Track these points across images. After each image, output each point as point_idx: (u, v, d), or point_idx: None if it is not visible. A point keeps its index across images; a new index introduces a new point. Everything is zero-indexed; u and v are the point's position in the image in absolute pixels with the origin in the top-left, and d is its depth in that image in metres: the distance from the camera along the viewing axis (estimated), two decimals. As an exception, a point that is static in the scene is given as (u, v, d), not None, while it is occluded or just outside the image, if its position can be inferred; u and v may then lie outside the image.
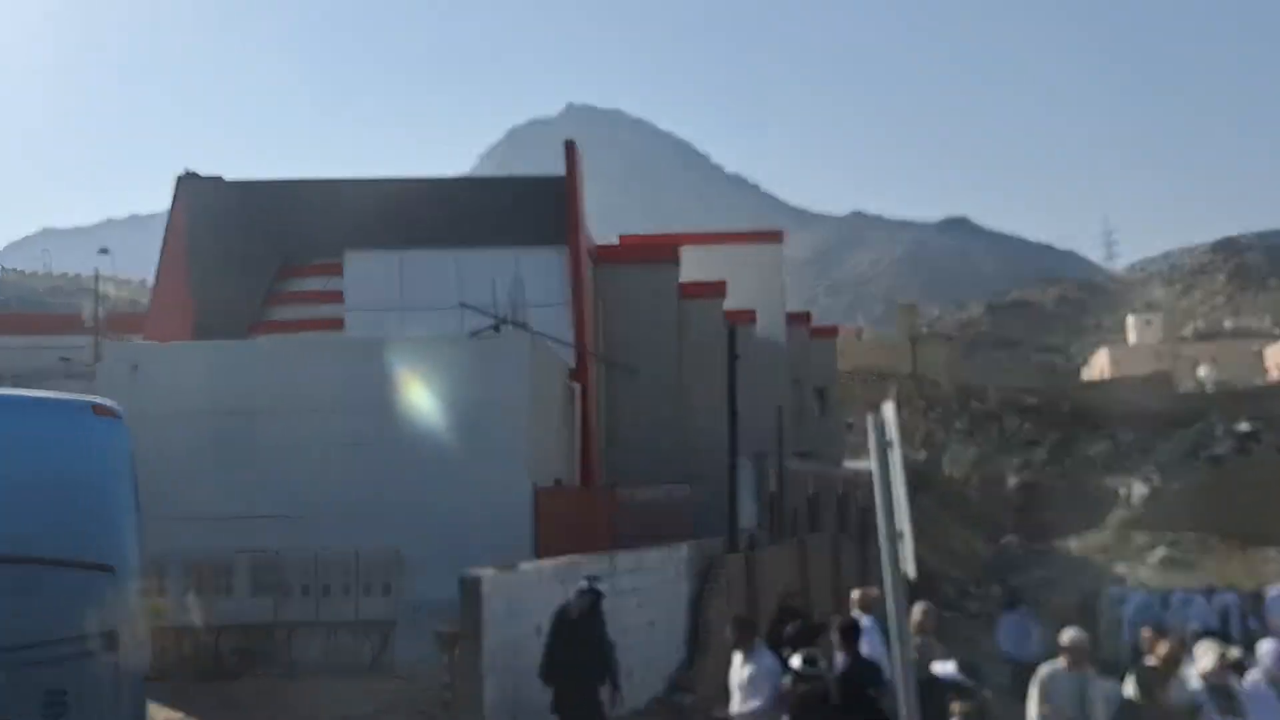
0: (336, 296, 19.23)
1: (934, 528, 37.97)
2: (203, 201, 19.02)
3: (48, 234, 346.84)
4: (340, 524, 13.09)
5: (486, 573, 9.96)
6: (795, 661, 7.84)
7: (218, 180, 19.73)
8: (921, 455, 51.05)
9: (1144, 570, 40.09)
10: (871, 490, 5.71)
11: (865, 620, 9.39)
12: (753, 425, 21.40)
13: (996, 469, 51.56)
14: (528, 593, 10.56)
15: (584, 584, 9.85)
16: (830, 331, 38.88)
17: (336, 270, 19.37)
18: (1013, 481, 49.86)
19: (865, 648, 8.64)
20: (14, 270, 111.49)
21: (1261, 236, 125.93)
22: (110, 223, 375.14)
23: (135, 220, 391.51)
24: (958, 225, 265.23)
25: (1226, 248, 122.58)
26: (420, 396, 14.17)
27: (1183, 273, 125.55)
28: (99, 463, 6.60)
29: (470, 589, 9.59)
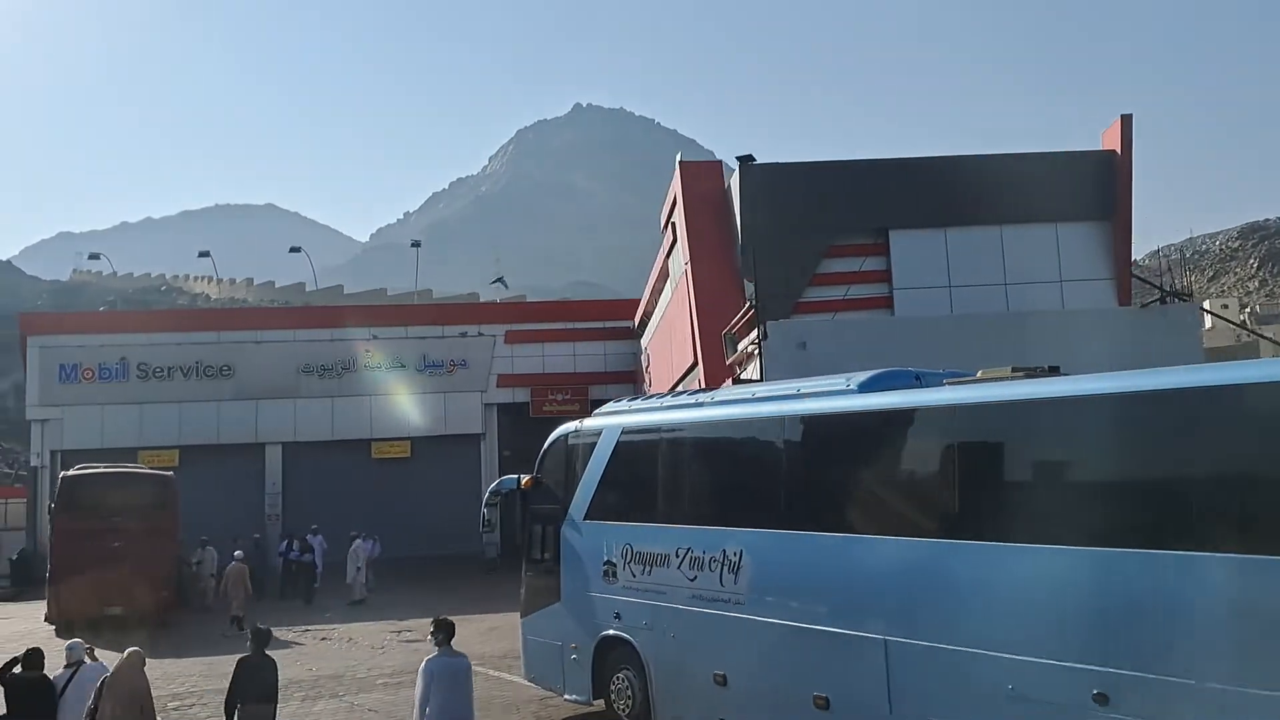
0: (880, 275, 19.28)
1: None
2: (755, 184, 19.09)
3: (64, 238, 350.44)
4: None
5: None
6: None
7: (764, 163, 19.43)
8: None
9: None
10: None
11: None
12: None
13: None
14: None
15: None
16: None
17: (875, 250, 19.36)
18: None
19: None
20: (91, 272, 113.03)
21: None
22: (125, 226, 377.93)
23: (149, 223, 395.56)
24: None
25: (1254, 232, 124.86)
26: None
27: (1210, 259, 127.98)
28: None
29: None
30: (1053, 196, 19.10)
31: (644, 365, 30.59)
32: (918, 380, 9.37)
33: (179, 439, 32.72)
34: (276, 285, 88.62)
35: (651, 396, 13.12)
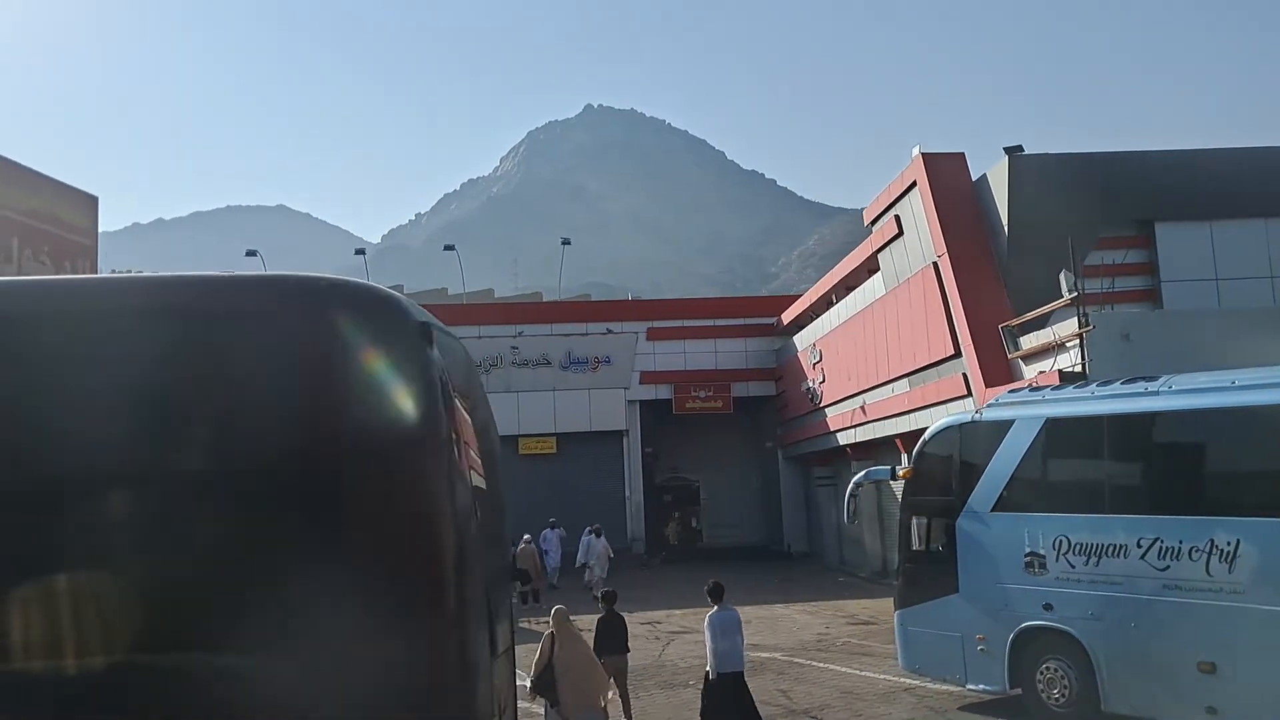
0: (1144, 268, 19.19)
1: None
2: (1025, 175, 19.14)
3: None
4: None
5: None
6: None
7: (1040, 155, 19.71)
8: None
9: None
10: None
11: None
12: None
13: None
14: None
15: None
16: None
17: (1138, 243, 19.30)
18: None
19: None
20: (131, 272, 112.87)
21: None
22: (136, 227, 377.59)
23: (160, 224, 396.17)
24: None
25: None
26: None
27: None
28: None
29: None
30: None
31: (808, 362, 30.44)
32: None
33: (329, 435, 32.58)
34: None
35: (1059, 387, 13.03)
